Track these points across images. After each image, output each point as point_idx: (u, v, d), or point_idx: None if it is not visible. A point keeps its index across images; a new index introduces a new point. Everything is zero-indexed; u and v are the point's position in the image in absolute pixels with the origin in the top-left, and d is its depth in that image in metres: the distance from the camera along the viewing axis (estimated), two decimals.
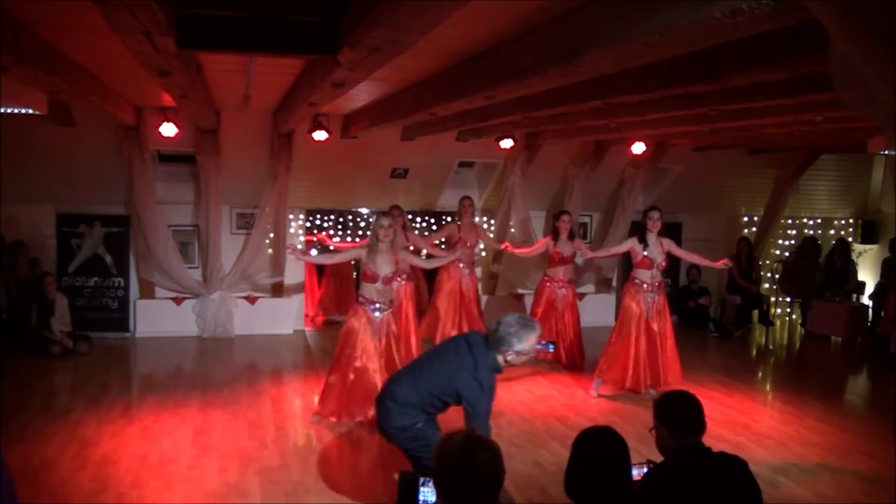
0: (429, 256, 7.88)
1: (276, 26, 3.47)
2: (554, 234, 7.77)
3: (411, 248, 7.47)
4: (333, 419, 5.72)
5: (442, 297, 8.17)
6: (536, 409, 6.30)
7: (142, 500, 4.34)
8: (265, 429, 5.67)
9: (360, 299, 5.76)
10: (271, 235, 9.01)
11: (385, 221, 5.65)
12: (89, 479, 4.57)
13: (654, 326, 6.62)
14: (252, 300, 9.11)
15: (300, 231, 9.41)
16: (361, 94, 5.96)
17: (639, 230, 6.82)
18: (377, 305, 5.72)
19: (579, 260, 7.59)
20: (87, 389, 6.59)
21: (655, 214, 6.66)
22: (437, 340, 8.14)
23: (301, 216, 9.41)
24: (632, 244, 6.75)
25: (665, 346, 6.66)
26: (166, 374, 7.39)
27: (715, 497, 2.65)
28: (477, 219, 9.95)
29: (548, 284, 7.76)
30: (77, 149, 8.03)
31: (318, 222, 10.35)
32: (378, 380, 5.58)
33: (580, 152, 9.35)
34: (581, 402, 6.59)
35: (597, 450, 2.43)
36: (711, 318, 10.00)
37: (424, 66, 4.51)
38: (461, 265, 8.19)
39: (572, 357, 7.71)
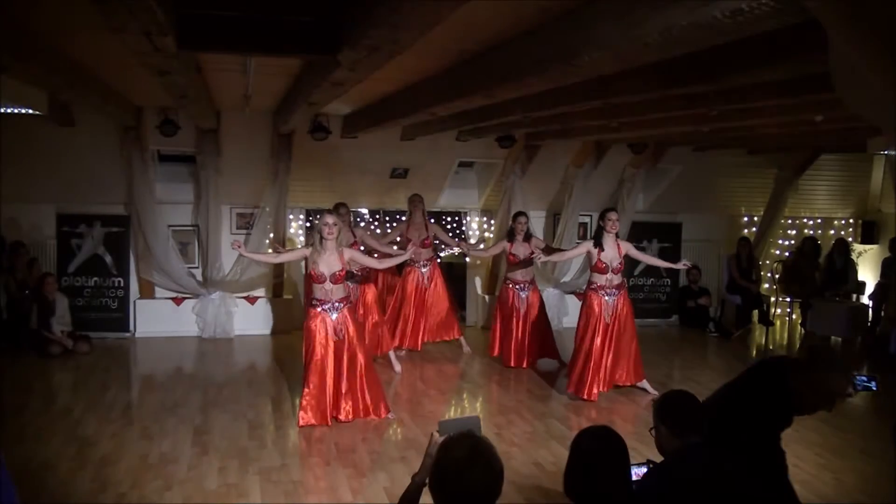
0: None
1: (276, 26, 3.47)
2: (510, 235, 7.74)
3: (361, 247, 7.37)
4: (315, 423, 5.67)
5: (405, 304, 8.10)
6: (536, 410, 6.30)
7: (142, 500, 4.33)
8: (265, 429, 5.67)
9: (314, 301, 5.73)
10: (271, 235, 9.01)
11: (329, 219, 5.61)
12: (89, 479, 4.57)
13: (614, 328, 6.51)
14: (252, 300, 9.11)
15: (300, 231, 9.41)
16: (361, 94, 5.96)
17: (595, 233, 6.71)
18: (331, 305, 5.67)
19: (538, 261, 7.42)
20: (87, 389, 6.59)
21: (613, 216, 6.58)
22: (409, 345, 8.11)
23: (301, 216, 9.41)
24: (587, 247, 6.66)
25: (623, 350, 6.59)
26: (166, 374, 7.39)
27: (715, 497, 2.65)
28: (476, 219, 9.97)
29: (509, 287, 7.73)
30: (77, 149, 8.04)
31: (318, 222, 10.35)
32: (338, 377, 5.64)
33: (580, 152, 9.35)
34: (581, 402, 6.59)
35: (595, 449, 2.43)
36: (711, 318, 10.00)
37: (424, 66, 4.51)
38: (416, 263, 8.08)
39: (546, 355, 7.70)
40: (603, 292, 6.55)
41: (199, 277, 8.89)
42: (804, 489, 4.64)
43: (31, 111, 6.03)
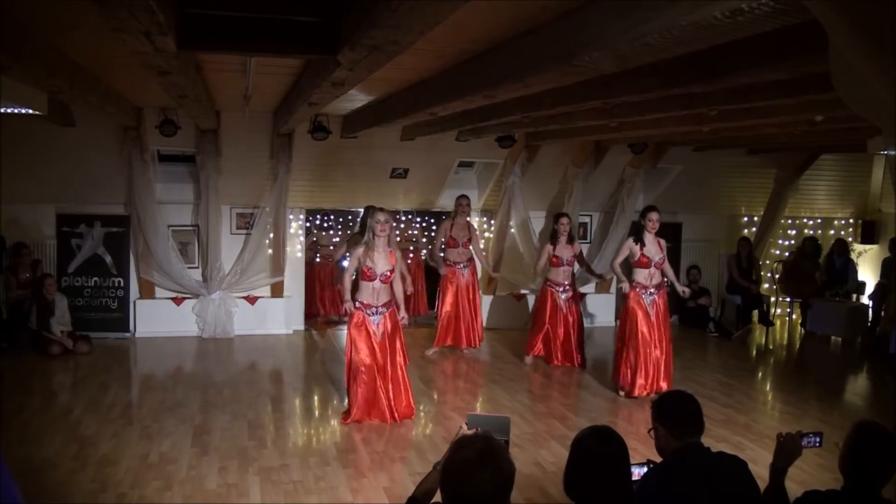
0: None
1: (276, 26, 3.47)
2: (553, 237, 7.77)
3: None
4: (361, 420, 5.74)
5: (448, 304, 8.14)
6: (536, 409, 6.30)
7: (142, 500, 4.34)
8: (265, 429, 5.67)
9: (357, 304, 5.74)
10: (271, 235, 9.01)
11: (382, 217, 5.63)
12: (89, 479, 4.58)
13: (654, 328, 6.57)
14: (252, 300, 9.10)
15: (300, 231, 9.41)
16: (361, 94, 5.96)
17: (635, 230, 6.78)
18: (374, 309, 5.70)
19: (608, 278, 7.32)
20: (87, 389, 6.59)
21: (654, 216, 6.61)
22: (453, 342, 8.18)
23: (301, 216, 9.41)
24: (629, 245, 6.70)
25: (663, 349, 6.61)
26: (166, 374, 7.39)
27: (714, 497, 2.65)
28: (476, 220, 9.97)
29: (549, 289, 7.78)
30: (77, 149, 8.04)
31: (318, 222, 10.37)
32: (379, 378, 5.65)
33: (580, 152, 9.35)
34: (581, 402, 6.59)
35: (595, 449, 2.43)
36: (711, 318, 10.00)
37: (424, 66, 4.50)
38: (458, 265, 8.17)
39: (571, 356, 7.73)
40: (642, 290, 6.59)
41: (199, 277, 8.89)
42: (804, 489, 4.64)
43: (31, 111, 6.03)
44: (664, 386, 6.50)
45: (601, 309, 10.01)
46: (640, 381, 6.49)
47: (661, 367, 6.60)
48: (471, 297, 8.23)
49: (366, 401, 5.71)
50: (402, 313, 6.01)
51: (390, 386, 5.77)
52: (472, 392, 7.09)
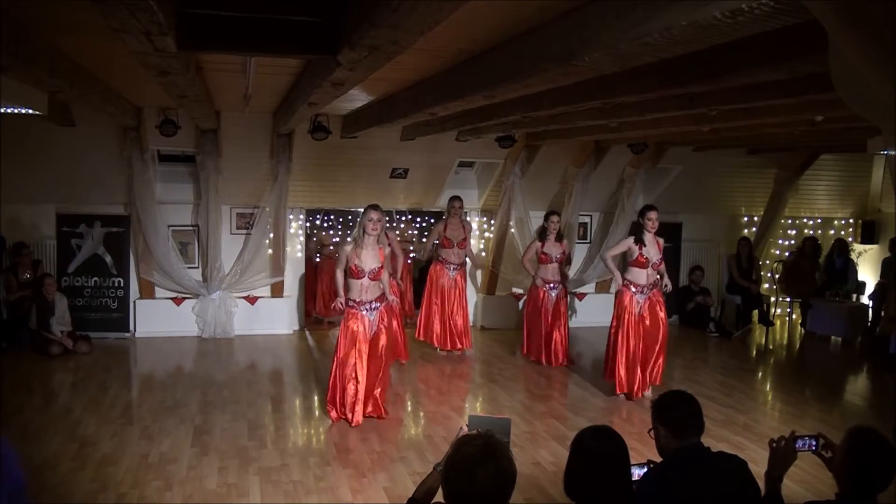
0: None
1: (276, 26, 3.46)
2: (541, 234, 7.77)
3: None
4: (336, 417, 5.75)
5: (430, 298, 8.17)
6: (536, 409, 6.30)
7: (142, 500, 4.34)
8: (265, 429, 5.67)
9: (351, 303, 5.73)
10: (271, 235, 9.01)
11: (374, 215, 5.62)
12: (89, 479, 4.58)
13: (647, 325, 6.55)
14: (252, 300, 9.10)
15: (300, 231, 9.41)
16: (361, 94, 5.96)
17: (634, 230, 6.77)
18: (368, 305, 5.70)
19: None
20: (87, 389, 6.59)
21: (653, 214, 6.57)
22: (434, 341, 8.18)
23: (301, 216, 9.41)
24: (628, 244, 6.68)
25: (652, 347, 6.59)
26: (166, 374, 7.39)
27: (714, 497, 2.65)
28: (476, 219, 9.97)
29: (539, 287, 7.80)
30: (77, 149, 8.04)
31: (318, 222, 10.37)
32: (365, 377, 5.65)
33: (580, 152, 9.35)
34: (581, 402, 6.59)
35: (595, 449, 2.43)
36: (711, 318, 10.00)
37: (424, 66, 4.50)
38: (450, 265, 8.17)
39: (559, 355, 7.73)
40: (636, 289, 6.57)
41: (199, 277, 8.89)
42: (804, 489, 4.65)
43: (31, 111, 6.03)
44: (657, 384, 6.50)
45: (601, 309, 9.99)
46: (629, 378, 6.49)
47: (651, 366, 6.58)
48: (457, 297, 8.21)
49: (341, 400, 5.68)
50: (390, 297, 6.04)
51: (365, 386, 5.72)
52: (472, 392, 7.08)
